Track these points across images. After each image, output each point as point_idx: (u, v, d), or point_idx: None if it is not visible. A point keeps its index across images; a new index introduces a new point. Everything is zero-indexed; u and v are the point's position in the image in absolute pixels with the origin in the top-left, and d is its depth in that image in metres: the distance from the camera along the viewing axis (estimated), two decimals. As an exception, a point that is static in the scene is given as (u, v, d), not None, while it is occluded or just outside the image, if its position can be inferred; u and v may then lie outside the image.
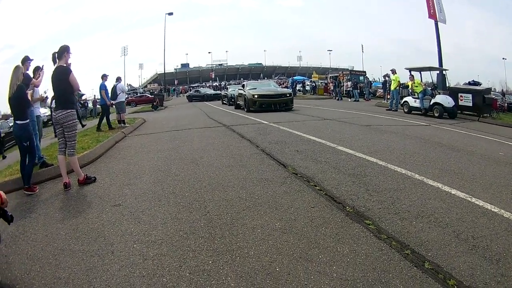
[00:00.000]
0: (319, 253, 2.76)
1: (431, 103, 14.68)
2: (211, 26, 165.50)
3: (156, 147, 7.86)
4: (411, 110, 15.67)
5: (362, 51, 79.12)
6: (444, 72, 18.48)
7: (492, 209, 3.69)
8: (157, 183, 4.89)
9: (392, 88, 17.76)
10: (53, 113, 5.58)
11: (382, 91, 28.91)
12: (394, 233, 3.10)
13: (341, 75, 36.78)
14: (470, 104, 14.94)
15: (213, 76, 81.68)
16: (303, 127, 9.87)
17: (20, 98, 5.05)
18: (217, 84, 71.53)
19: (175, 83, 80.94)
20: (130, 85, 67.32)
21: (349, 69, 43.62)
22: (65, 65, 5.12)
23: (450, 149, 7.01)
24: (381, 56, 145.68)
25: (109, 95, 13.23)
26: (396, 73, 18.46)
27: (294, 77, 55.03)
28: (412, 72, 16.81)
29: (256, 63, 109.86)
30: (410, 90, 16.12)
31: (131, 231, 3.29)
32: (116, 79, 13.75)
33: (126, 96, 13.38)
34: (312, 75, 53.68)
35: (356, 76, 34.54)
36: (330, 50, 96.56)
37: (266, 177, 4.91)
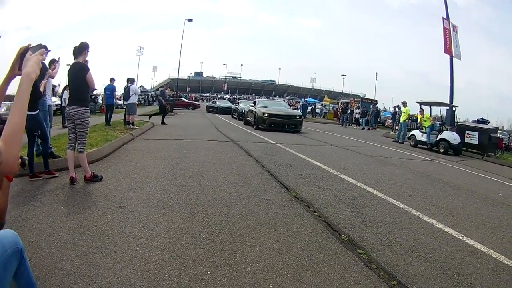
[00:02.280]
0: (311, 276, 2.88)
1: (437, 139, 14.83)
2: (228, 37, 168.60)
3: (163, 154, 8.03)
4: (417, 143, 15.84)
5: (376, 79, 79.68)
6: (453, 108, 18.71)
7: (482, 249, 3.83)
8: (163, 190, 5.03)
9: (401, 120, 17.94)
10: (66, 108, 5.77)
11: (391, 121, 29.41)
12: (384, 264, 3.21)
13: (352, 101, 37.44)
14: (476, 142, 15.12)
15: (225, 88, 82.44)
16: (309, 151, 10.04)
17: (32, 90, 5.19)
18: (229, 97, 71.94)
19: (187, 90, 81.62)
20: (142, 86, 67.68)
21: (361, 96, 43.79)
22: (82, 62, 5.26)
23: (450, 187, 7.14)
24: (394, 85, 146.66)
25: (115, 95, 13.66)
26: (406, 105, 18.64)
27: (306, 99, 55.49)
28: (423, 106, 16.99)
29: (270, 80, 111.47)
30: (418, 124, 16.27)
31: (134, 234, 3.41)
32: (130, 81, 14.04)
33: (139, 98, 13.69)
34: (324, 99, 53.97)
35: (367, 104, 34.84)
36: (344, 75, 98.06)
37: (268, 198, 5.04)
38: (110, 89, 14.15)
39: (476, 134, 15.15)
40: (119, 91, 23.97)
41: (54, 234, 3.33)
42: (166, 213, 4.13)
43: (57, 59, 7.02)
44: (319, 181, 6.29)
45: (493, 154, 15.37)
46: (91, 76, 5.21)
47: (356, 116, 28.24)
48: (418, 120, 16.45)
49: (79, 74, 5.18)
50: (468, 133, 15.41)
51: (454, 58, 22.58)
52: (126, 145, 9.11)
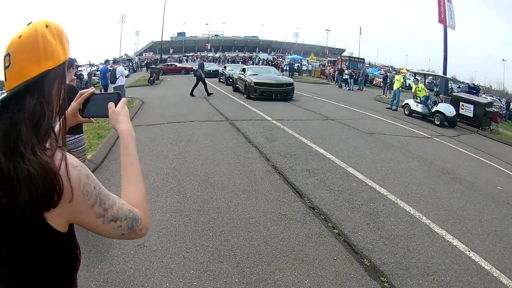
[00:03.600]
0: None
1: (433, 110, 14.83)
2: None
3: (161, 149, 7.75)
4: (411, 113, 15.88)
5: (360, 34, 79.04)
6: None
7: (485, 267, 4.10)
8: (176, 213, 4.89)
9: (395, 87, 18.09)
10: None
11: (379, 80, 30.57)
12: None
13: (340, 60, 38.83)
14: (471, 115, 15.23)
15: (208, 47, 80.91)
16: (308, 131, 9.96)
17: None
18: (212, 55, 70.82)
19: (170, 51, 79.81)
20: (126, 54, 66.14)
21: (348, 55, 44.07)
22: (71, 82, 4.51)
23: (452, 179, 7.24)
24: (379, 40, 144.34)
25: (108, 77, 13.35)
26: (400, 73, 19.26)
27: (291, 56, 55.39)
28: (417, 76, 17.12)
29: (253, 36, 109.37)
30: (413, 94, 16.33)
31: (167, 286, 3.34)
32: (115, 62, 13.64)
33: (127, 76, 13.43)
34: (310, 57, 54.79)
35: (354, 63, 35.69)
36: (328, 30, 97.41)
37: (285, 212, 4.99)
38: (104, 71, 14.21)
39: (471, 106, 15.22)
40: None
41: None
42: (189, 249, 4.02)
43: (73, 60, 6.59)
44: (328, 179, 6.26)
45: (487, 127, 15.51)
46: None
47: (345, 77, 28.40)
48: (413, 90, 16.47)
49: (70, 97, 4.62)
50: (463, 105, 15.49)
51: (448, 28, 22.13)
52: (118, 140, 8.75)
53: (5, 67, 0.99)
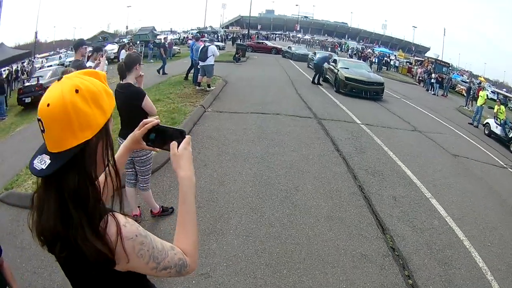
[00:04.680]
0: None
1: (510, 136, 13.85)
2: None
3: (242, 148, 7.21)
4: (491, 134, 14.98)
5: (444, 34, 74.83)
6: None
7: None
8: (249, 237, 4.35)
9: (478, 104, 17.59)
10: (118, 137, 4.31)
11: (462, 88, 30.46)
12: None
13: (427, 61, 39.44)
14: None
15: (298, 28, 79.66)
16: (396, 143, 9.17)
17: None
18: (300, 36, 69.86)
19: (258, 27, 79.91)
20: (211, 26, 67.30)
21: (434, 57, 42.43)
22: (135, 84, 4.01)
23: None
24: (461, 44, 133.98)
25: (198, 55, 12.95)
26: (484, 89, 18.59)
27: (380, 49, 55.75)
28: (500, 97, 16.69)
29: (342, 22, 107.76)
30: (494, 114, 15.37)
31: None
32: (209, 41, 13.22)
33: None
34: (398, 54, 55.51)
35: (439, 66, 34.98)
36: (415, 27, 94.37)
37: (365, 252, 4.37)
38: (195, 49, 13.65)
39: None
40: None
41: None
42: (259, 287, 3.51)
43: (102, 50, 6.08)
44: (412, 213, 5.65)
45: None
46: (149, 101, 3.95)
47: (432, 81, 26.86)
48: (495, 110, 15.43)
49: (133, 101, 3.89)
50: None
51: None
52: (196, 127, 8.33)
53: (41, 131, 0.97)
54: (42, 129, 0.97)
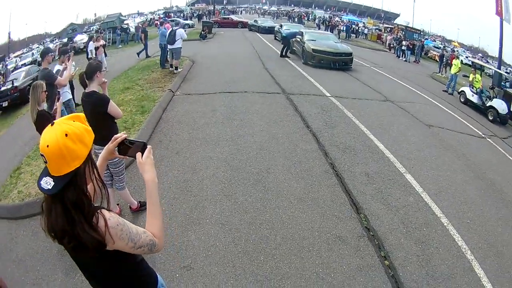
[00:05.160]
0: None
1: (487, 104, 14.05)
2: None
3: (212, 131, 7.15)
4: (467, 101, 15.14)
5: (414, 0, 74.66)
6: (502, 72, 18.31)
7: None
8: (225, 225, 4.42)
9: (452, 72, 17.43)
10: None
11: (435, 53, 31.22)
12: None
13: (396, 29, 40.13)
14: None
15: (264, 1, 78.40)
16: (368, 115, 9.13)
17: (43, 128, 4.28)
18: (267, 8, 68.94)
19: (224, 2, 78.15)
20: (177, 6, 65.84)
21: (405, 25, 42.87)
22: (98, 91, 3.98)
23: (501, 201, 6.24)
24: (433, 9, 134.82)
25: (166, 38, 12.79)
26: (458, 58, 18.78)
27: (348, 17, 56.18)
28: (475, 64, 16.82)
29: None
30: (470, 83, 15.48)
31: None
32: (176, 24, 12.89)
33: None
34: (367, 21, 54.90)
35: (410, 33, 35.64)
36: None
37: (340, 233, 4.47)
38: (163, 33, 13.76)
39: None
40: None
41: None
42: (238, 276, 3.64)
43: (68, 50, 6.09)
44: (386, 190, 5.66)
45: None
46: (114, 107, 3.96)
47: (403, 48, 26.86)
48: (470, 79, 15.54)
49: (99, 109, 3.90)
50: None
51: (504, 22, 20.55)
52: (166, 113, 8.21)
53: (45, 162, 1.39)
54: (45, 161, 1.39)
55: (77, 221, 1.43)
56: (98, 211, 1.49)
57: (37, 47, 37.51)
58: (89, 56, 14.19)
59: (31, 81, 13.84)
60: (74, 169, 1.40)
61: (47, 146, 1.36)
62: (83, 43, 24.77)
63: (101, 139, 3.11)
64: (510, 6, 20.91)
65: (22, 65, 25.74)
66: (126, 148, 1.78)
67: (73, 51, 18.98)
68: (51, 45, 29.11)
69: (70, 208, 1.43)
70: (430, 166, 6.84)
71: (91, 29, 40.52)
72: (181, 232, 4.24)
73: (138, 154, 1.71)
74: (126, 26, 31.20)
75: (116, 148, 1.79)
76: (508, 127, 13.46)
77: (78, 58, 18.45)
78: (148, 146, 1.73)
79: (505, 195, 6.47)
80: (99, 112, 3.92)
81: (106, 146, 1.79)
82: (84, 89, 4.04)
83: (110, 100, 3.95)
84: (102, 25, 34.57)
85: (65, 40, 29.49)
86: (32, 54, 29.96)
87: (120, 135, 1.78)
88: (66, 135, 1.38)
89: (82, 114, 1.54)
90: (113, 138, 1.78)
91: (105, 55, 15.69)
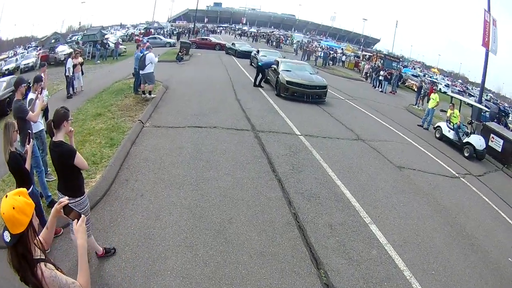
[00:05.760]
0: None
1: (464, 141, 13.85)
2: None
3: (177, 172, 7.15)
4: (442, 137, 14.99)
5: (396, 26, 78.08)
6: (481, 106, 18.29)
7: None
8: (185, 278, 4.43)
9: (430, 106, 17.11)
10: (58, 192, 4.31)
11: (413, 82, 32.13)
12: None
13: (375, 56, 39.75)
14: (499, 149, 14.19)
15: (244, 21, 79.81)
16: (337, 157, 9.31)
17: (16, 169, 4.32)
18: (247, 29, 70.12)
19: (205, 21, 79.05)
20: (158, 22, 66.09)
21: (384, 53, 43.53)
22: (66, 142, 4.01)
23: (470, 247, 6.46)
24: (413, 36, 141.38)
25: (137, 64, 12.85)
26: (436, 92, 18.96)
27: (327, 42, 55.31)
28: (454, 100, 16.23)
29: (290, 14, 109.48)
30: (447, 118, 15.29)
31: None
32: (147, 48, 12.83)
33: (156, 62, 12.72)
34: (346, 48, 55.04)
35: (389, 62, 35.94)
36: (365, 19, 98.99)
37: None
38: (136, 57, 13.71)
39: (501, 141, 14.15)
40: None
41: None
42: None
43: (41, 82, 6.35)
44: (349, 242, 5.70)
45: None
46: (80, 159, 4.01)
47: (380, 78, 26.92)
48: (448, 114, 15.35)
49: (65, 160, 3.96)
50: (493, 137, 14.45)
51: (490, 53, 21.00)
52: (134, 148, 8.20)
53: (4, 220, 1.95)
54: (2, 222, 1.94)
55: (24, 267, 1.96)
56: (38, 264, 2.00)
57: (22, 53, 37.90)
58: (66, 74, 14.14)
59: (10, 93, 13.57)
60: (21, 231, 1.95)
61: (3, 213, 1.91)
62: (64, 54, 25.52)
63: (65, 189, 4.22)
64: (497, 37, 21.42)
65: (5, 70, 26.73)
66: (69, 210, 2.31)
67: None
68: (33, 53, 30.19)
69: (20, 258, 1.96)
70: (397, 214, 6.95)
71: (74, 38, 41.51)
72: (143, 283, 4.24)
73: (74, 222, 2.25)
74: (106, 41, 32.00)
75: (62, 209, 2.31)
76: (485, 162, 13.56)
77: (57, 71, 18.27)
78: (82, 216, 2.29)
79: (475, 240, 6.66)
80: (65, 164, 3.97)
81: (54, 206, 2.33)
82: (51, 137, 4.04)
83: (77, 153, 3.99)
84: (83, 37, 35.76)
85: (48, 50, 29.35)
86: (16, 60, 30.24)
87: (64, 200, 2.36)
88: (14, 208, 1.92)
89: (24, 190, 2.10)
90: (57, 203, 2.33)
91: (82, 73, 15.69)
